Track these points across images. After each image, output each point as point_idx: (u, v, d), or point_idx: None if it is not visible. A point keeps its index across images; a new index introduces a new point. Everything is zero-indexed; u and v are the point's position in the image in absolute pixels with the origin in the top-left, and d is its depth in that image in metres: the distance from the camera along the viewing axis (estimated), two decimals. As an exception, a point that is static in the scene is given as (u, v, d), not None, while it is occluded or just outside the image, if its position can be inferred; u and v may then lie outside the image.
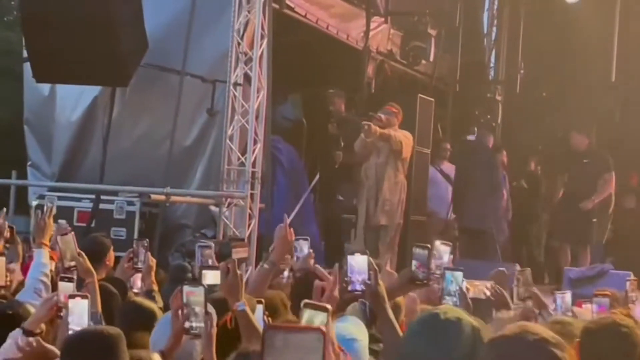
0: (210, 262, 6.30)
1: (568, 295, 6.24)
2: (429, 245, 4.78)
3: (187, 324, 3.95)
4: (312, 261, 6.32)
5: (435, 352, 2.81)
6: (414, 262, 4.77)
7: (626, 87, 15.96)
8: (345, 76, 13.88)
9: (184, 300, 3.96)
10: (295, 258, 6.37)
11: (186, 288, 3.97)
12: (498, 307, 5.70)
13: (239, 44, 10.91)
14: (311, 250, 6.45)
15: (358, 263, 4.43)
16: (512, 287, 7.03)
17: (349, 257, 4.44)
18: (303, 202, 12.70)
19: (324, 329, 1.86)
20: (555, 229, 14.48)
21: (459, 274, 5.00)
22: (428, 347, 2.83)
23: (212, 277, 4.86)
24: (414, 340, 2.91)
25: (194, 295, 3.94)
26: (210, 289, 4.32)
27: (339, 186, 13.03)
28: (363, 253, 4.56)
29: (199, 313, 3.96)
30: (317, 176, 13.34)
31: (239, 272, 4.35)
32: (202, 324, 3.95)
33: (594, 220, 14.11)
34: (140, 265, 6.54)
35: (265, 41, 10.89)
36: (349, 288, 4.37)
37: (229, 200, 10.86)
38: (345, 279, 4.39)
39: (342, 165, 12.74)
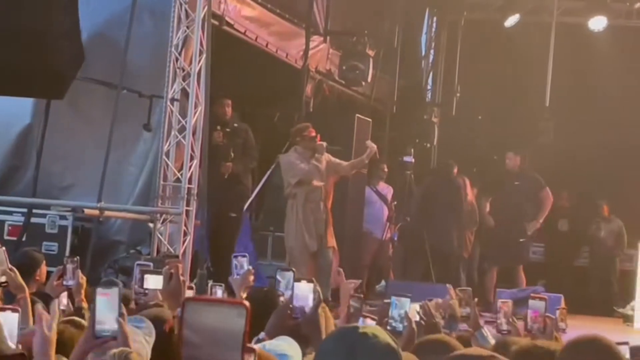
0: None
1: (510, 304, 6.31)
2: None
3: (97, 327, 3.79)
4: (251, 278, 6.29)
5: None
6: None
7: (560, 111, 16.17)
8: (283, 95, 13.88)
9: (95, 303, 3.83)
10: (235, 275, 6.33)
11: (99, 290, 3.84)
12: (427, 331, 5.67)
13: (177, 59, 10.86)
14: (251, 267, 6.41)
15: (303, 291, 4.44)
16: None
17: (295, 285, 4.44)
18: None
19: (246, 303, 1.82)
20: (488, 252, 14.58)
21: (406, 300, 5.01)
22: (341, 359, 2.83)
23: (154, 281, 4.80)
24: (328, 352, 2.90)
25: (106, 296, 3.81)
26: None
27: (228, 200, 12.39)
28: (309, 281, 4.57)
29: (111, 315, 3.82)
30: (255, 192, 13.31)
31: (181, 277, 4.30)
32: (116, 326, 3.84)
33: (522, 240, 14.28)
34: (70, 282, 6.43)
35: (203, 57, 10.84)
36: (293, 315, 4.37)
37: (164, 216, 10.78)
38: (290, 306, 4.39)
39: (231, 176, 12.28)
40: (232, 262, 6.12)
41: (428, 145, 16.33)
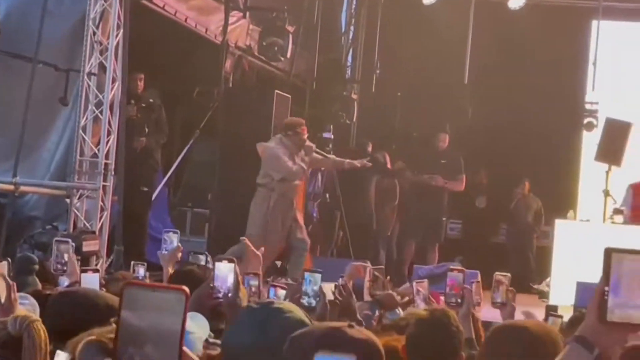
0: (66, 257, 6.17)
1: (426, 284, 6.39)
2: None
3: None
4: (179, 254, 6.28)
5: (260, 341, 2.81)
6: None
7: (479, 88, 16.31)
8: (203, 70, 13.77)
9: None
10: (163, 250, 6.32)
11: None
12: (342, 310, 5.68)
13: (94, 33, 10.71)
14: (180, 244, 6.40)
15: (223, 271, 4.42)
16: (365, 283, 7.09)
17: (216, 265, 4.42)
18: (157, 195, 12.56)
19: (186, 289, 1.80)
20: (407, 227, 14.70)
21: (318, 276, 5.01)
22: (253, 336, 2.82)
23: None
24: (242, 324, 2.89)
25: None
26: None
27: (140, 174, 12.09)
28: (230, 261, 4.55)
29: None
30: (173, 168, 13.22)
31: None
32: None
33: (444, 219, 14.43)
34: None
35: (121, 32, 10.72)
36: (214, 295, 4.35)
37: (80, 192, 10.66)
38: (211, 285, 4.37)
39: (143, 151, 12.10)
40: (163, 236, 6.11)
41: (348, 121, 16.37)
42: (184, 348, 1.78)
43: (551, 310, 6.59)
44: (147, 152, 12.02)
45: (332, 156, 12.63)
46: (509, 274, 6.50)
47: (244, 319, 2.90)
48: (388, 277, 7.35)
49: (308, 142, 11.78)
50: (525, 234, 16.03)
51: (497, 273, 6.50)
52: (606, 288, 2.65)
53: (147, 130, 11.92)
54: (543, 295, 13.80)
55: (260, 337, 2.80)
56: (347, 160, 12.41)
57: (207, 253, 6.62)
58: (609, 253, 2.68)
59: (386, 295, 6.54)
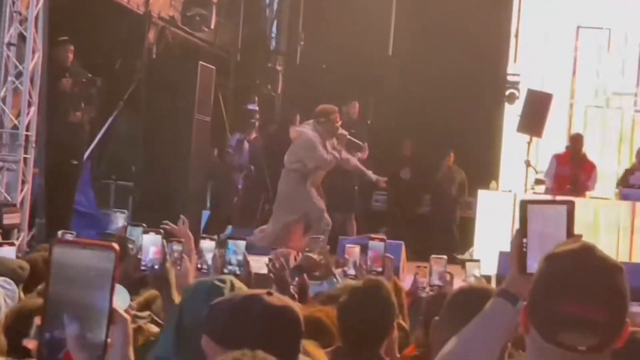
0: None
1: (357, 249, 6.44)
2: None
3: None
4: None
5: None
6: None
7: (403, 59, 16.37)
8: (125, 41, 13.62)
9: None
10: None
11: None
12: (277, 283, 5.69)
13: (13, 2, 10.52)
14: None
15: (150, 243, 4.40)
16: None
17: (144, 237, 4.39)
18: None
19: (116, 247, 1.78)
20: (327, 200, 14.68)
21: (242, 243, 5.00)
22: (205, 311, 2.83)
23: None
24: (190, 305, 2.91)
25: None
26: None
27: (70, 148, 11.88)
28: (157, 233, 4.53)
29: None
30: (96, 140, 13.08)
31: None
32: None
33: (356, 187, 14.47)
34: None
35: (41, 1, 10.54)
36: (141, 266, 4.34)
37: (1, 164, 10.50)
38: (138, 257, 4.35)
39: (75, 124, 11.91)
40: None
41: (273, 93, 16.33)
42: (114, 305, 1.76)
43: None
44: (79, 125, 11.89)
45: (354, 159, 12.53)
46: (445, 257, 6.53)
47: (191, 296, 2.92)
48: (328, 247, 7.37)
49: (341, 130, 11.72)
50: (449, 205, 16.16)
51: (433, 256, 6.54)
52: (524, 240, 2.69)
53: (83, 105, 11.79)
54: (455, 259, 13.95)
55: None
56: (369, 172, 12.41)
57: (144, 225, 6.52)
58: (524, 205, 2.72)
59: (304, 258, 6.58)
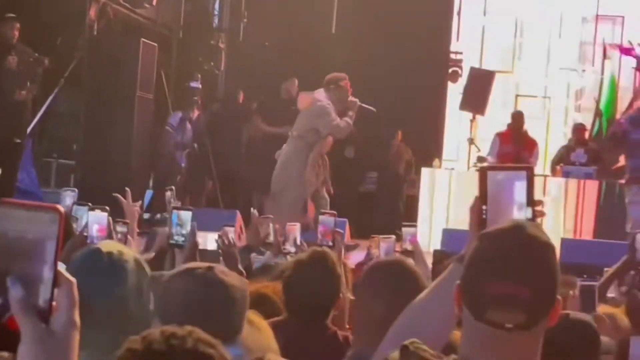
0: None
1: (297, 227, 6.48)
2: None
3: None
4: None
5: (100, 286, 2.81)
6: None
7: (346, 38, 16.34)
8: (66, 18, 13.46)
9: None
10: None
11: None
12: (226, 260, 5.67)
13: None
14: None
15: (96, 220, 4.38)
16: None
17: (90, 214, 4.37)
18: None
19: (61, 208, 1.74)
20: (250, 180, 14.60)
21: (187, 214, 4.97)
22: (92, 282, 2.81)
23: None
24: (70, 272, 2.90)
25: None
26: None
27: (13, 126, 11.80)
28: (103, 210, 4.51)
29: None
30: (37, 118, 12.92)
31: None
32: None
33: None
34: None
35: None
36: (87, 241, 4.32)
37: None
38: (84, 234, 4.34)
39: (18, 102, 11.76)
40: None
41: (216, 71, 16.24)
42: (59, 268, 1.73)
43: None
44: (23, 104, 11.76)
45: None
46: (393, 236, 6.55)
47: (77, 265, 2.89)
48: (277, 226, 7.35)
49: (352, 97, 11.38)
50: (397, 183, 16.23)
51: (381, 237, 6.56)
52: (484, 207, 2.70)
53: (29, 84, 11.66)
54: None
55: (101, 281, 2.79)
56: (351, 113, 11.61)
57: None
58: (483, 172, 2.73)
59: (250, 234, 6.57)
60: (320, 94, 11.28)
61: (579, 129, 15.06)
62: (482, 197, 2.70)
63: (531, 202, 2.66)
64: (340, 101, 11.15)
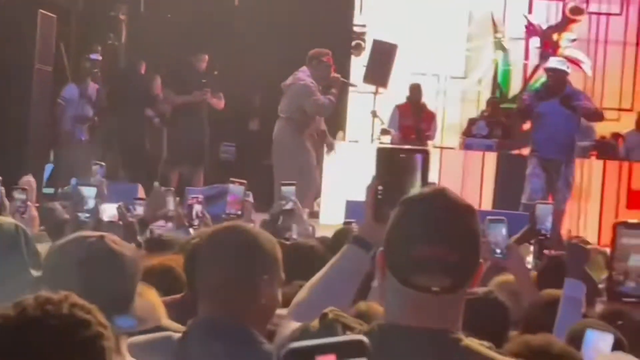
0: None
1: (201, 199, 6.44)
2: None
3: None
4: None
5: None
6: None
7: (249, 10, 16.25)
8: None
9: None
10: None
11: None
12: (126, 231, 5.61)
13: None
14: None
15: None
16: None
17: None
18: None
19: None
20: (172, 153, 14.51)
21: (92, 190, 4.92)
22: None
23: None
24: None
25: None
26: None
27: None
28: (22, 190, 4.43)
29: None
30: None
31: None
32: None
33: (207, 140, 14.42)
34: None
35: None
36: None
37: None
38: None
39: None
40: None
41: (116, 43, 15.99)
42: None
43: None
44: None
45: None
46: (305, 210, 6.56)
47: None
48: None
49: (334, 73, 11.28)
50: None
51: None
52: (379, 187, 2.70)
53: None
54: (313, 215, 14.04)
55: None
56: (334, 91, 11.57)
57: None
58: (380, 152, 2.73)
59: (151, 207, 6.53)
60: (303, 72, 11.22)
61: (493, 102, 15.23)
62: (379, 177, 2.71)
63: (426, 183, 2.69)
64: (323, 77, 11.12)
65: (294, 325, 2.54)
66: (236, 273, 3.03)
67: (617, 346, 3.19)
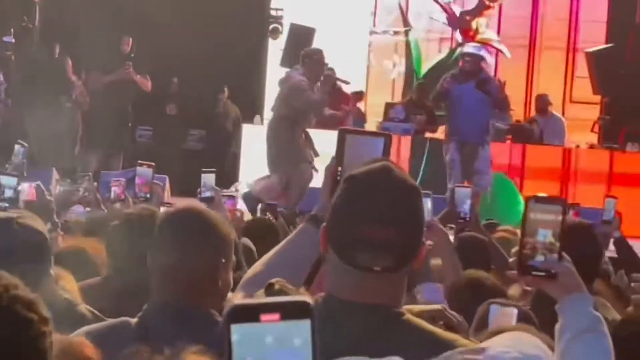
0: None
1: (122, 182, 6.42)
2: None
3: None
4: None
5: None
6: None
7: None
8: None
9: None
10: None
11: None
12: (41, 211, 5.56)
13: None
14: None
15: None
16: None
17: None
18: None
19: None
20: (90, 137, 14.30)
21: (12, 180, 4.87)
22: None
23: None
24: None
25: None
26: None
27: None
28: None
29: None
30: None
31: None
32: None
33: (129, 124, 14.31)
34: None
35: None
36: None
37: None
38: None
39: None
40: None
41: (30, 25, 15.73)
42: None
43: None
44: None
45: None
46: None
47: None
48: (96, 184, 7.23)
49: (327, 71, 11.39)
50: (224, 140, 16.18)
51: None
52: (339, 168, 2.70)
53: None
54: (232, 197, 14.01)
55: None
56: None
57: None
58: (342, 134, 2.74)
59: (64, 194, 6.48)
60: (296, 70, 11.39)
61: (421, 87, 15.30)
62: (339, 159, 2.71)
63: None
64: (315, 75, 11.17)
65: (242, 296, 2.54)
66: (197, 256, 3.00)
67: (522, 320, 3.24)
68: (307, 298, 1.48)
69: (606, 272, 5.45)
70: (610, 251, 6.74)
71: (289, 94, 11.17)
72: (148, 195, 5.78)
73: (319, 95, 11.13)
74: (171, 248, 2.99)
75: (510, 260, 2.61)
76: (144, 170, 5.99)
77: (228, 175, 15.42)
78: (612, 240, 6.48)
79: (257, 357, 1.43)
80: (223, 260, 2.99)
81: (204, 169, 6.43)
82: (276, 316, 1.43)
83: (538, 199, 2.55)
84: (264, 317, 1.43)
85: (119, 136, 14.04)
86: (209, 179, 5.92)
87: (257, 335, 1.43)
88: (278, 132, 11.24)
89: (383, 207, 2.33)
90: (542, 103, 15.15)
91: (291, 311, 1.44)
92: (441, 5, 16.44)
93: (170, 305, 2.94)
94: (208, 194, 5.80)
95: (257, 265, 2.82)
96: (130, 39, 14.20)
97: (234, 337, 1.43)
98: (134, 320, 2.98)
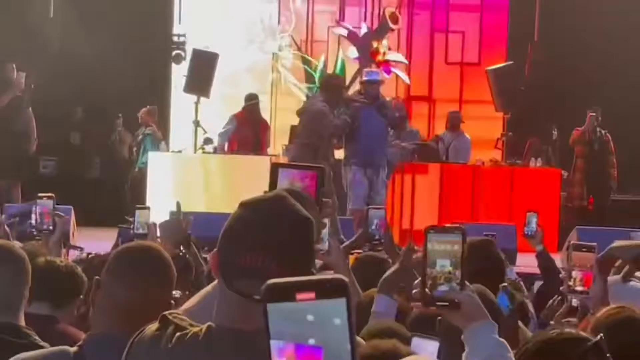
0: None
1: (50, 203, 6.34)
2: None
3: None
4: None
5: None
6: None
7: (65, 22, 15.94)
8: None
9: None
10: None
11: None
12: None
13: None
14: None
15: None
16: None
17: None
18: None
19: None
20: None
21: None
22: None
23: None
24: None
25: None
26: None
27: None
28: None
29: None
30: None
31: None
32: None
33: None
34: None
35: None
36: None
37: None
38: None
39: None
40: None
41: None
42: None
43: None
44: None
45: None
46: None
47: None
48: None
49: (347, 95, 11.59)
50: (121, 168, 16.03)
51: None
52: None
53: None
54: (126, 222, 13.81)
55: None
56: None
57: None
58: (275, 169, 2.81)
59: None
60: (316, 98, 11.72)
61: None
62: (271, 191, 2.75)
63: (319, 201, 2.74)
64: (336, 100, 11.42)
65: None
66: (152, 292, 3.03)
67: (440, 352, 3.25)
68: (343, 277, 1.49)
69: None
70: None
71: (312, 120, 11.41)
72: (51, 227, 5.69)
73: (343, 120, 11.48)
74: (123, 283, 3.01)
75: (413, 292, 2.62)
76: (44, 202, 5.90)
77: (130, 204, 15.30)
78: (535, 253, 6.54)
79: (295, 335, 1.45)
80: (177, 295, 3.03)
81: (137, 205, 6.40)
82: (312, 295, 1.45)
83: (436, 230, 2.57)
84: (299, 295, 1.45)
85: (17, 166, 13.66)
86: (143, 215, 5.89)
87: (293, 313, 1.46)
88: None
89: (266, 235, 2.33)
90: (454, 120, 15.28)
91: (327, 290, 1.45)
92: (347, 38, 16.49)
93: (110, 338, 2.92)
94: (141, 230, 5.77)
95: (197, 296, 2.81)
96: (14, 65, 13.63)
97: (270, 316, 1.46)
98: (72, 349, 2.94)
